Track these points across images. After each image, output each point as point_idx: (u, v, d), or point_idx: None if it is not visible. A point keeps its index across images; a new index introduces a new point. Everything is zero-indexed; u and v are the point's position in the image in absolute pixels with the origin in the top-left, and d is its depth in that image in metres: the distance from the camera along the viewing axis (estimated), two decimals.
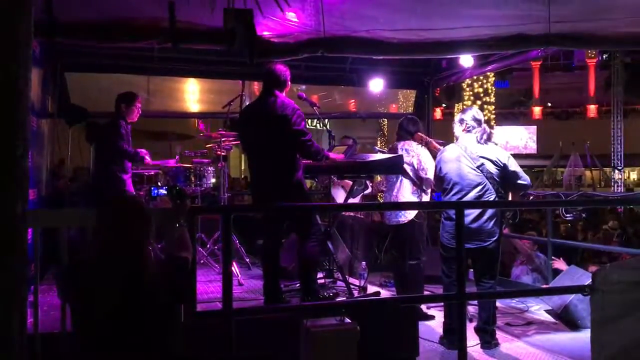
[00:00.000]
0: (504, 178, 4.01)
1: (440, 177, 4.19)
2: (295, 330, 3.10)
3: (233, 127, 5.56)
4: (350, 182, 5.28)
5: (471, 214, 3.95)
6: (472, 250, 3.96)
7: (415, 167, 4.67)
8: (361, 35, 4.50)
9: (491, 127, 16.25)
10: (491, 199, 3.98)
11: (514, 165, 4.02)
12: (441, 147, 4.61)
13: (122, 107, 4.89)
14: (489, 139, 4.09)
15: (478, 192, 3.97)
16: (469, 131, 4.12)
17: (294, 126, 3.71)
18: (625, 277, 2.08)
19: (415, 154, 4.71)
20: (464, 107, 19.18)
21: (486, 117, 15.84)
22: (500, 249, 4.09)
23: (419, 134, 4.86)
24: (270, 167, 3.81)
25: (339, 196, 5.77)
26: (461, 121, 4.20)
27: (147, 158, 5.04)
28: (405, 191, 4.73)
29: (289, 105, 3.79)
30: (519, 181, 4.01)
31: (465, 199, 3.99)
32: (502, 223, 4.07)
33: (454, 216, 3.55)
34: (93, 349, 2.18)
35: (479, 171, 3.99)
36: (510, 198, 4.15)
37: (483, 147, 4.05)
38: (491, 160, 4.00)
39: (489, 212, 3.97)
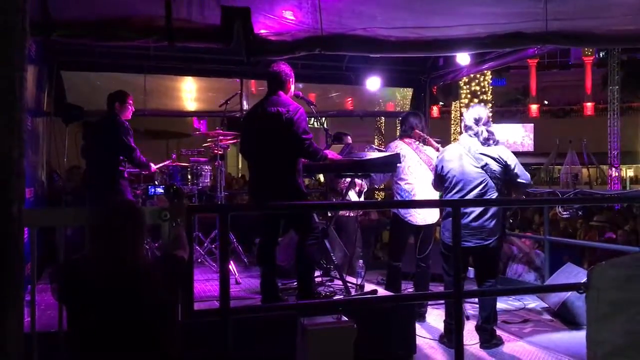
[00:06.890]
0: (506, 176, 4.00)
1: (441, 176, 4.16)
2: (292, 328, 3.11)
3: (232, 126, 5.54)
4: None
5: (473, 212, 3.94)
6: (472, 248, 3.96)
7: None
8: (358, 33, 4.49)
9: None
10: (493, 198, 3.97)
11: (515, 164, 4.01)
12: (437, 144, 4.62)
13: (116, 105, 4.88)
14: (488, 138, 4.04)
15: (480, 191, 3.95)
16: (467, 131, 4.12)
17: (296, 125, 3.71)
18: (620, 274, 2.08)
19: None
20: (462, 105, 19.21)
21: None
22: (501, 249, 4.09)
23: (417, 131, 4.85)
24: (271, 169, 3.81)
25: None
26: (462, 120, 4.23)
27: (153, 167, 5.12)
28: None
29: (291, 104, 3.80)
30: (519, 180, 3.99)
31: (467, 197, 3.98)
32: (504, 223, 4.06)
33: None
34: (90, 349, 2.18)
35: (483, 170, 3.98)
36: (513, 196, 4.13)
37: (486, 145, 4.04)
38: (494, 159, 3.98)
39: (491, 210, 3.94)
